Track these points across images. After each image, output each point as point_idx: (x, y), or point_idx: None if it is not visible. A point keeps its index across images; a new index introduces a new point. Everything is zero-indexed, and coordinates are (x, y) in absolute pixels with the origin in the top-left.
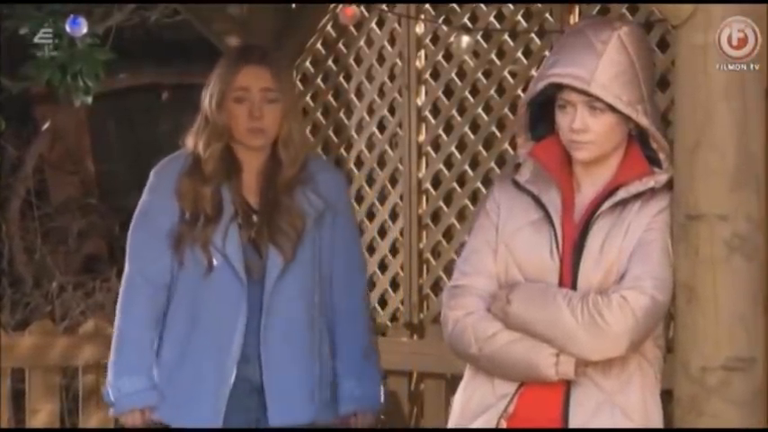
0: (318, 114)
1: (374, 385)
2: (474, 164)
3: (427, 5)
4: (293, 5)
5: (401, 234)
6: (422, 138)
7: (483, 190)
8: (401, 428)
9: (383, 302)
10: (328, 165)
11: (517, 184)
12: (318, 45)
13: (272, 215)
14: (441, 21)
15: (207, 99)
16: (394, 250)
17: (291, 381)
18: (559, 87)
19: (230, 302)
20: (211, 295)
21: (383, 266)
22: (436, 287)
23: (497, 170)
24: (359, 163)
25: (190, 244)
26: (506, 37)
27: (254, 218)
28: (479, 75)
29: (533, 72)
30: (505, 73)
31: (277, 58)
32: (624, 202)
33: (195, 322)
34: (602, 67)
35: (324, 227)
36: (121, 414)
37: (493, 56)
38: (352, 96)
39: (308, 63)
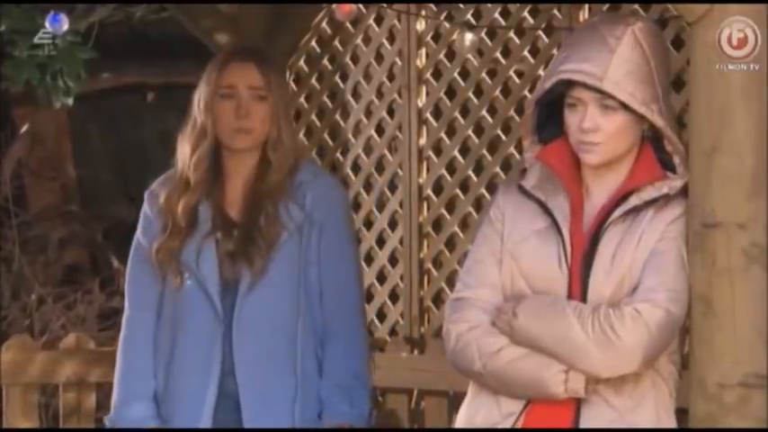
0: (313, 116)
1: (363, 406)
2: (478, 169)
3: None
4: None
5: (401, 243)
6: (422, 141)
7: (487, 196)
8: (401, 428)
9: (382, 315)
10: (322, 173)
11: (523, 190)
12: (313, 43)
13: (251, 225)
14: (443, 17)
15: (195, 101)
16: (393, 260)
17: (267, 396)
18: (569, 85)
19: (206, 319)
20: (187, 312)
21: (382, 277)
22: (438, 299)
23: (502, 175)
24: (356, 168)
25: (166, 259)
26: (512, 34)
27: (235, 232)
28: (484, 74)
29: (540, 71)
30: (511, 72)
31: (268, 55)
32: (637, 209)
33: (176, 340)
34: (615, 63)
35: (308, 240)
36: None
37: (498, 54)
38: (349, 97)
39: (301, 62)
